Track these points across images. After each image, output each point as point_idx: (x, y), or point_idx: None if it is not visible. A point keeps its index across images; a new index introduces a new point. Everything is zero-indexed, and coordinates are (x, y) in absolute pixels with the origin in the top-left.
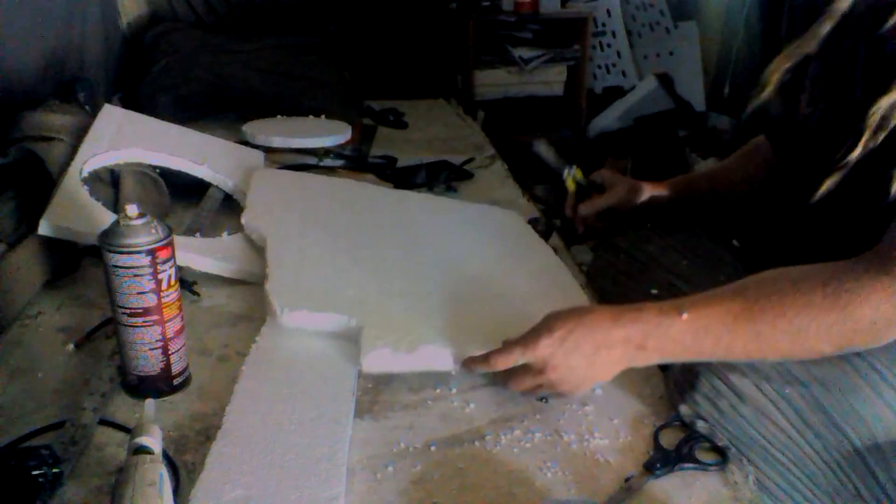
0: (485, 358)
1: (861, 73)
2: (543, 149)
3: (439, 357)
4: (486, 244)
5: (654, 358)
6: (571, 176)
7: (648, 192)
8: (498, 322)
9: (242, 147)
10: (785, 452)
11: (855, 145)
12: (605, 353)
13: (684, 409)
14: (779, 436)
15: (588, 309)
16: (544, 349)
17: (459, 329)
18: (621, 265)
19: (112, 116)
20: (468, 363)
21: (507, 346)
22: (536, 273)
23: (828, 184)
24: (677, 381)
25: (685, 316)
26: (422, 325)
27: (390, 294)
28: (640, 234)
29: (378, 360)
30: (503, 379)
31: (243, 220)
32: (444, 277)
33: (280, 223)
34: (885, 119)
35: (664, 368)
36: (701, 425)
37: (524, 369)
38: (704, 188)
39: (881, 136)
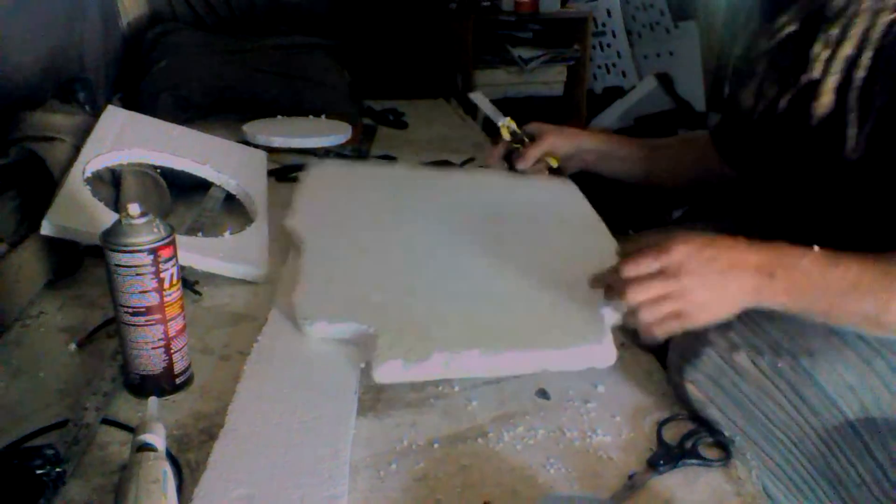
0: (612, 270)
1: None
2: (480, 99)
3: (452, 364)
4: (538, 231)
5: (779, 290)
6: (506, 125)
7: (584, 138)
8: (529, 323)
9: (245, 147)
10: (786, 431)
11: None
12: (737, 275)
13: (691, 389)
14: (779, 413)
15: (717, 235)
16: (681, 253)
17: (482, 332)
18: None
19: (115, 117)
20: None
21: (636, 253)
22: (585, 265)
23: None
24: (676, 365)
25: (817, 248)
26: (442, 329)
27: (419, 295)
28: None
29: (390, 373)
30: (621, 288)
31: (286, 223)
32: (485, 274)
33: (322, 226)
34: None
35: (663, 358)
36: (708, 408)
37: (652, 276)
38: (624, 154)
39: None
